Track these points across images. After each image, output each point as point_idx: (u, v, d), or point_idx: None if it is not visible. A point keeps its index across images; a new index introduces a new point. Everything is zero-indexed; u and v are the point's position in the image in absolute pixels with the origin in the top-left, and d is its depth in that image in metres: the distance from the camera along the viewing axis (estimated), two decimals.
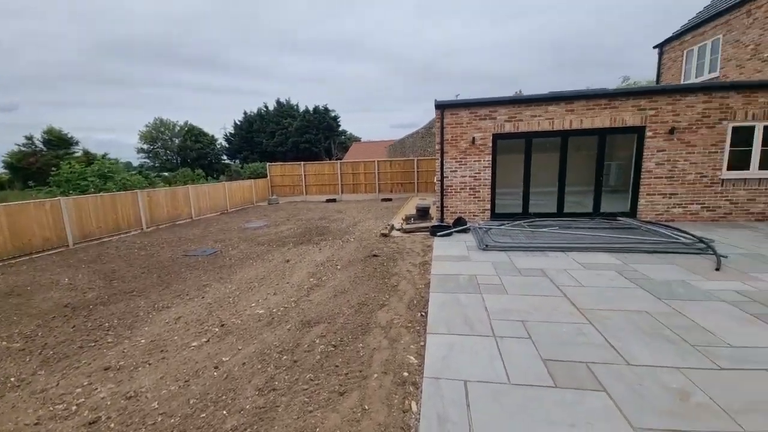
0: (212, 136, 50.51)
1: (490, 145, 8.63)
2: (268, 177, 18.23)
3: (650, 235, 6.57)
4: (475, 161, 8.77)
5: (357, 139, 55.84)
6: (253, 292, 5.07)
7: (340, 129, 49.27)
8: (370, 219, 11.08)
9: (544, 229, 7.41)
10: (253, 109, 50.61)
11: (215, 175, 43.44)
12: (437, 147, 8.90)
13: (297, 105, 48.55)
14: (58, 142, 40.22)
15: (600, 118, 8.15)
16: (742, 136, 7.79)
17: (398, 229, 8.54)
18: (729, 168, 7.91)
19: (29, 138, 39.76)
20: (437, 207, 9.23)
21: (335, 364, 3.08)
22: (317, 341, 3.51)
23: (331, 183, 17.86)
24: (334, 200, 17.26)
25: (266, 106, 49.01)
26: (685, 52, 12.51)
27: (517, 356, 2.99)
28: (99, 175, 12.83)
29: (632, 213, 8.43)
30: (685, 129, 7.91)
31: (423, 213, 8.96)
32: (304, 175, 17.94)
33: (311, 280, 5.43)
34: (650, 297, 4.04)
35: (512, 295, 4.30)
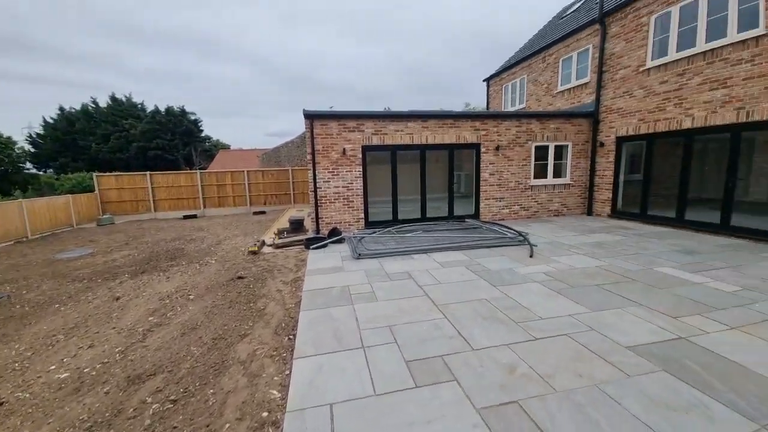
0: (8, 138, 37.07)
1: (360, 156, 8.95)
2: (97, 191, 14.34)
3: (489, 233, 7.94)
4: (347, 172, 8.93)
5: (226, 147, 50.36)
6: (56, 350, 3.74)
7: (203, 134, 43.56)
8: (238, 236, 9.95)
9: (410, 234, 8.08)
10: (74, 104, 39.67)
11: (12, 190, 32.15)
12: (308, 157, 8.69)
13: (143, 103, 40.63)
14: None
15: (448, 135, 9.48)
16: (542, 153, 10.32)
17: (270, 245, 7.90)
18: (535, 177, 10.36)
19: None
20: (312, 218, 8.99)
21: (173, 426, 2.47)
22: (150, 400, 2.77)
23: (190, 196, 15.36)
24: (194, 216, 14.91)
25: (95, 103, 39.28)
26: (503, 86, 15.93)
27: (383, 363, 3.02)
28: None
29: (476, 215, 10.09)
30: (506, 147, 9.97)
31: (297, 225, 8.58)
32: (152, 187, 14.86)
33: (151, 319, 4.38)
34: (488, 286, 4.79)
35: (381, 301, 4.43)
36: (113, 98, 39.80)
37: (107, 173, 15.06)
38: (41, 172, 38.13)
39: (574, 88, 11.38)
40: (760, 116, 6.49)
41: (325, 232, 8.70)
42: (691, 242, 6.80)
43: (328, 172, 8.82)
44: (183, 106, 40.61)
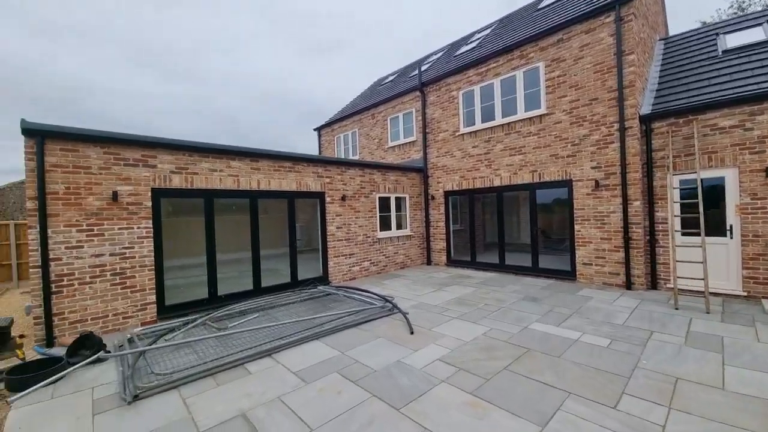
0: None
1: (150, 204, 5.72)
2: None
3: (349, 303, 6.31)
4: (121, 229, 5.44)
5: None
6: None
7: None
8: None
9: (240, 322, 5.39)
10: None
11: None
12: (31, 204, 4.75)
13: None
14: None
15: (287, 181, 7.63)
16: (384, 204, 9.95)
17: None
18: (381, 229, 9.78)
19: None
20: (36, 318, 4.78)
21: None
22: None
23: None
24: None
25: None
26: (335, 137, 15.78)
27: None
28: None
29: (325, 276, 8.35)
30: (352, 197, 9.02)
31: None
32: None
33: None
34: (388, 411, 2.99)
35: None
36: None
37: None
38: None
39: (403, 144, 12.07)
40: (549, 177, 8.07)
41: (65, 341, 4.73)
42: (524, 287, 7.37)
43: (80, 230, 5.08)
44: None
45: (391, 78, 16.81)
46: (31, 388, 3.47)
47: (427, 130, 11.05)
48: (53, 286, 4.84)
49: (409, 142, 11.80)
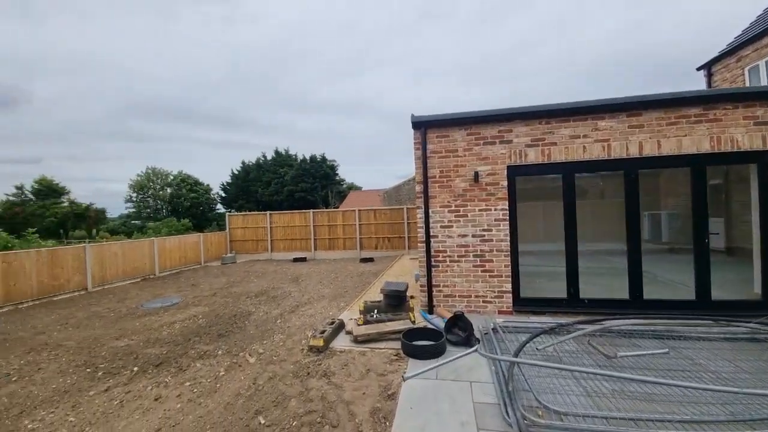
0: (207, 186, 48.90)
1: (505, 184, 5.22)
2: (227, 230, 14.88)
3: None
4: (481, 210, 5.29)
5: (358, 188, 53.73)
6: None
7: (338, 178, 47.23)
8: (324, 298, 7.35)
9: (638, 354, 3.62)
10: (253, 160, 49.24)
11: (210, 225, 41.59)
12: (418, 188, 5.50)
13: (295, 155, 47.25)
14: (48, 192, 38.86)
15: (691, 139, 4.77)
16: None
17: (349, 333, 4.78)
18: None
19: (19, 188, 38.35)
20: (421, 286, 5.57)
21: None
22: None
23: (302, 237, 14.39)
24: (303, 259, 13.65)
25: (264, 156, 47.81)
26: (746, 69, 9.56)
27: None
28: None
29: (766, 300, 4.66)
30: None
31: (395, 300, 5.24)
32: (270, 227, 14.54)
33: None
34: None
35: None
36: (276, 152, 47.69)
37: (238, 213, 15.75)
38: (229, 211, 47.48)
39: None
40: None
41: (440, 312, 5.12)
42: None
43: (449, 211, 5.37)
44: (323, 154, 45.26)
45: None
46: (422, 370, 3.65)
47: None
48: (433, 261, 5.41)
49: None
